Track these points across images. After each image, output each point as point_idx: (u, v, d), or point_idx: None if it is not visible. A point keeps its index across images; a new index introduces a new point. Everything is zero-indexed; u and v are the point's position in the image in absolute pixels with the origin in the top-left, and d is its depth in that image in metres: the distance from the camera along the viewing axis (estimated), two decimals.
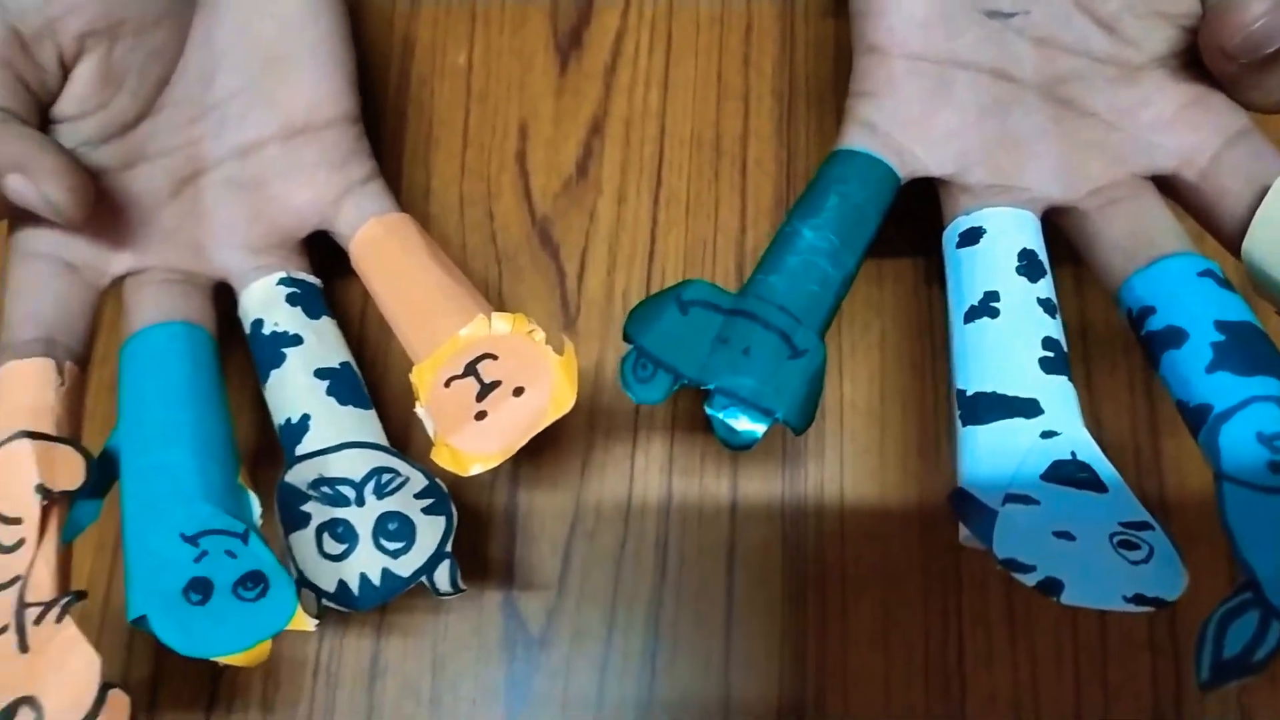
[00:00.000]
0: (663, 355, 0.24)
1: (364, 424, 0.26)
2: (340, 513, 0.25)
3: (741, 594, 0.29)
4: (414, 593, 0.29)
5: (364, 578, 0.24)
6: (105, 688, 0.22)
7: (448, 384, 0.25)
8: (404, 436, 0.30)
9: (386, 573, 0.24)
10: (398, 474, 0.25)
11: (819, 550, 0.29)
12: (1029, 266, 0.25)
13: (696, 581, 0.29)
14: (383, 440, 0.26)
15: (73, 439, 0.24)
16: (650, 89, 0.35)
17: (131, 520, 0.24)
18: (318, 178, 0.28)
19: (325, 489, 0.25)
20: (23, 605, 0.22)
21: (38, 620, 0.22)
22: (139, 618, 0.23)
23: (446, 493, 0.25)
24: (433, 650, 0.29)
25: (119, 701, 0.22)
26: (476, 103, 0.35)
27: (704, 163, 0.34)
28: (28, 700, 0.21)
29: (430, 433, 0.25)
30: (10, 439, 0.23)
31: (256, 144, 0.28)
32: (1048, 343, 0.24)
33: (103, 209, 0.26)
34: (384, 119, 0.35)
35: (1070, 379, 0.24)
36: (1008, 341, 0.24)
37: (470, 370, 0.25)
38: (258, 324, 0.27)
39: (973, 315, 0.25)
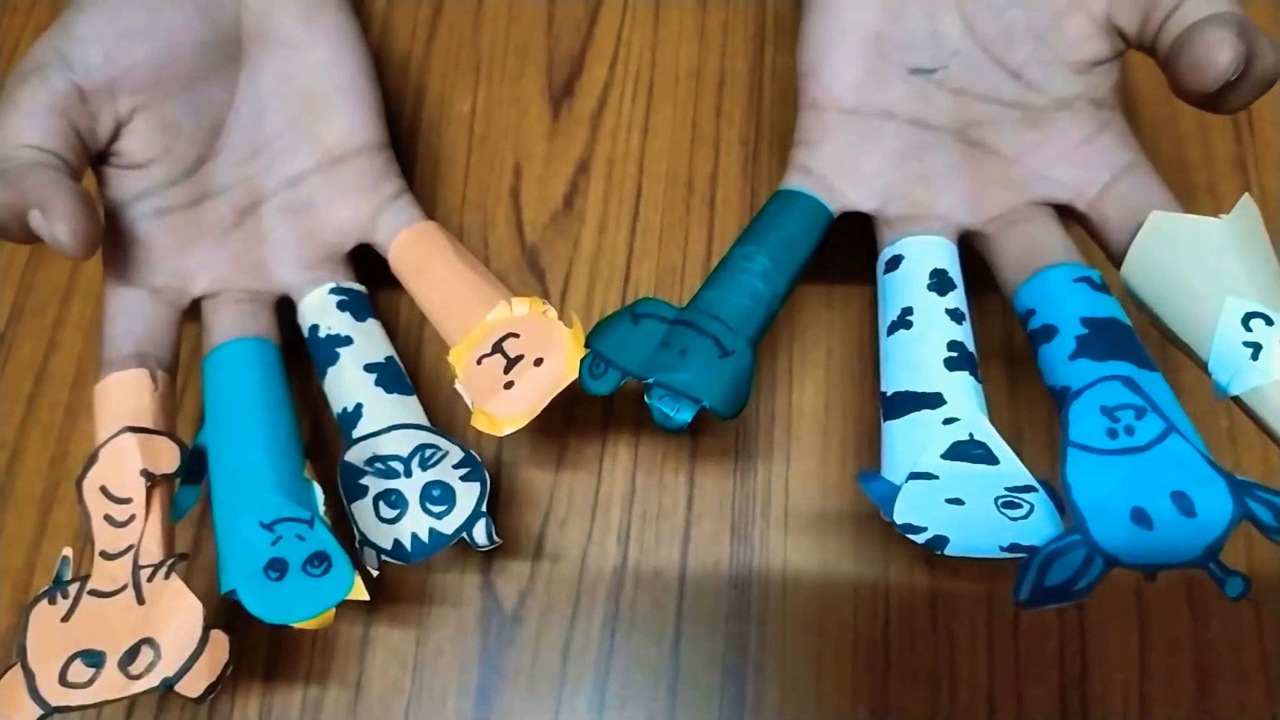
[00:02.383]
0: (613, 356, 0.28)
1: (408, 408, 0.30)
2: (392, 484, 0.29)
3: (692, 579, 0.32)
4: (400, 573, 0.33)
5: (414, 536, 0.29)
6: (207, 629, 0.26)
7: (479, 361, 0.29)
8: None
9: (433, 531, 0.29)
10: (438, 449, 0.29)
11: (764, 541, 0.33)
12: (939, 283, 0.28)
13: (653, 568, 0.33)
14: (424, 421, 0.30)
15: (168, 432, 0.29)
16: (632, 133, 0.39)
17: (220, 510, 0.28)
18: (355, 199, 0.33)
19: (379, 465, 0.29)
20: (137, 567, 0.27)
21: (150, 578, 0.27)
22: (230, 591, 0.27)
23: (480, 462, 0.29)
24: (418, 624, 0.33)
25: (220, 639, 0.27)
26: (478, 145, 0.40)
27: (677, 199, 0.38)
28: (147, 641, 0.26)
29: (468, 403, 0.29)
30: (117, 434, 0.28)
31: (302, 174, 0.32)
32: (952, 345, 0.27)
33: (179, 241, 0.31)
34: (396, 160, 0.39)
35: (974, 374, 0.27)
36: (917, 346, 0.28)
37: (497, 348, 0.29)
38: (314, 329, 0.32)
39: (893, 329, 0.28)
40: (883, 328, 0.29)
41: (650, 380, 0.27)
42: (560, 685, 0.32)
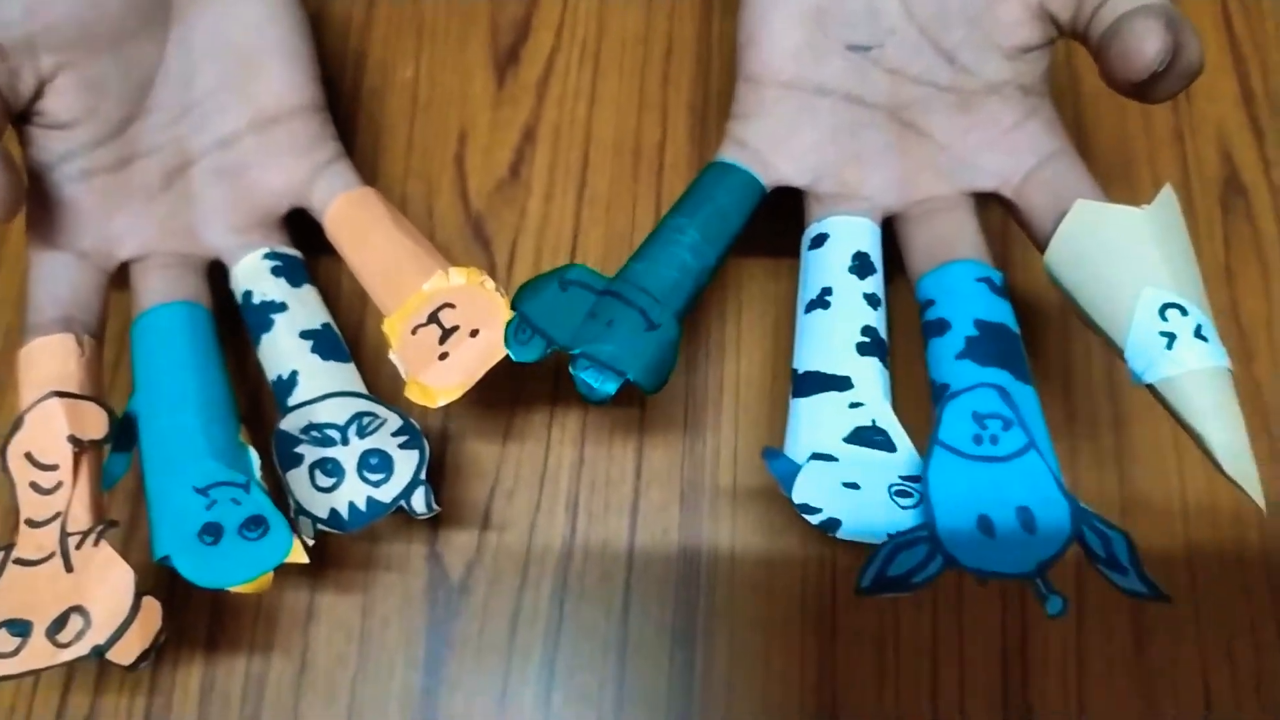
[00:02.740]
0: (540, 323, 0.27)
1: (345, 376, 0.30)
2: (329, 452, 0.29)
3: (641, 548, 0.32)
4: (346, 544, 0.32)
5: (352, 505, 0.28)
6: (139, 595, 0.26)
7: (414, 331, 0.28)
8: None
9: (370, 500, 0.28)
10: (376, 416, 0.29)
11: (712, 509, 0.33)
12: (860, 267, 0.29)
13: (602, 537, 0.33)
14: (362, 389, 0.30)
15: (96, 397, 0.28)
16: (578, 101, 0.39)
17: (151, 475, 0.28)
18: (289, 162, 0.32)
19: (315, 433, 0.29)
20: (65, 535, 0.26)
21: (79, 545, 0.26)
22: (163, 557, 0.26)
23: (419, 430, 0.29)
24: (363, 595, 0.32)
25: (152, 606, 0.26)
26: (421, 112, 0.39)
27: (624, 167, 0.38)
28: (76, 609, 0.26)
29: (403, 374, 0.28)
30: (43, 399, 0.27)
31: (234, 135, 0.32)
32: (866, 330, 0.28)
33: (106, 204, 0.30)
34: (336, 126, 0.38)
35: (883, 360, 0.27)
36: (832, 328, 0.28)
37: (433, 318, 0.28)
38: (248, 295, 0.31)
39: (811, 307, 0.29)
40: (801, 304, 0.29)
41: (576, 351, 0.27)
42: (509, 656, 0.31)
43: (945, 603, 0.32)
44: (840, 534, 0.25)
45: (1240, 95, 0.39)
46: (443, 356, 0.28)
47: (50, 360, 0.28)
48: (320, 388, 0.29)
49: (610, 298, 0.27)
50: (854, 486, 0.25)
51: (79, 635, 0.25)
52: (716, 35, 0.40)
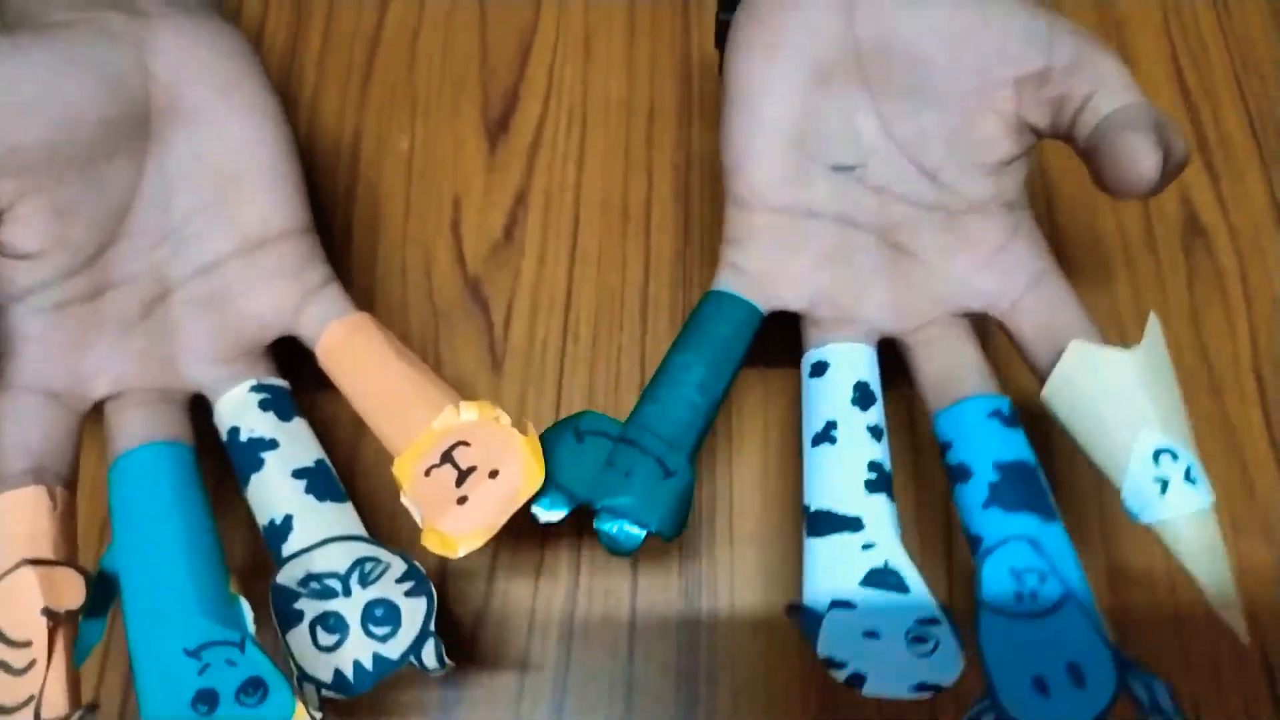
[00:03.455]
0: (561, 479, 0.27)
1: (343, 517, 0.28)
2: (330, 605, 0.27)
3: (644, 591, 0.34)
4: None
5: (357, 664, 0.27)
6: None
7: (428, 473, 0.27)
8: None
9: (377, 657, 0.27)
10: (379, 561, 0.27)
11: (710, 551, 0.34)
12: (861, 398, 0.29)
13: (605, 583, 0.34)
14: (361, 530, 0.28)
15: (70, 559, 0.26)
16: (567, 165, 0.41)
17: (136, 637, 0.26)
18: (277, 287, 0.30)
19: (314, 584, 0.27)
20: None
21: None
22: None
23: (425, 574, 0.27)
24: None
25: None
26: (417, 181, 0.41)
27: (613, 225, 0.40)
28: None
29: (418, 520, 0.27)
30: (14, 568, 0.25)
31: (216, 261, 0.30)
32: (872, 465, 0.28)
33: (79, 338, 0.28)
34: (336, 199, 0.40)
35: (890, 495, 0.28)
36: (840, 465, 0.29)
37: (447, 458, 0.27)
38: (234, 431, 0.29)
39: (818, 440, 0.29)
40: (807, 437, 0.30)
41: (598, 506, 0.27)
42: (519, 701, 0.33)
43: None
44: (866, 691, 0.26)
45: (1195, 142, 0.41)
46: (461, 500, 0.26)
47: (20, 518, 0.26)
48: (318, 533, 0.27)
49: (626, 445, 0.28)
50: (874, 635, 0.26)
51: None
52: (696, 95, 0.42)
